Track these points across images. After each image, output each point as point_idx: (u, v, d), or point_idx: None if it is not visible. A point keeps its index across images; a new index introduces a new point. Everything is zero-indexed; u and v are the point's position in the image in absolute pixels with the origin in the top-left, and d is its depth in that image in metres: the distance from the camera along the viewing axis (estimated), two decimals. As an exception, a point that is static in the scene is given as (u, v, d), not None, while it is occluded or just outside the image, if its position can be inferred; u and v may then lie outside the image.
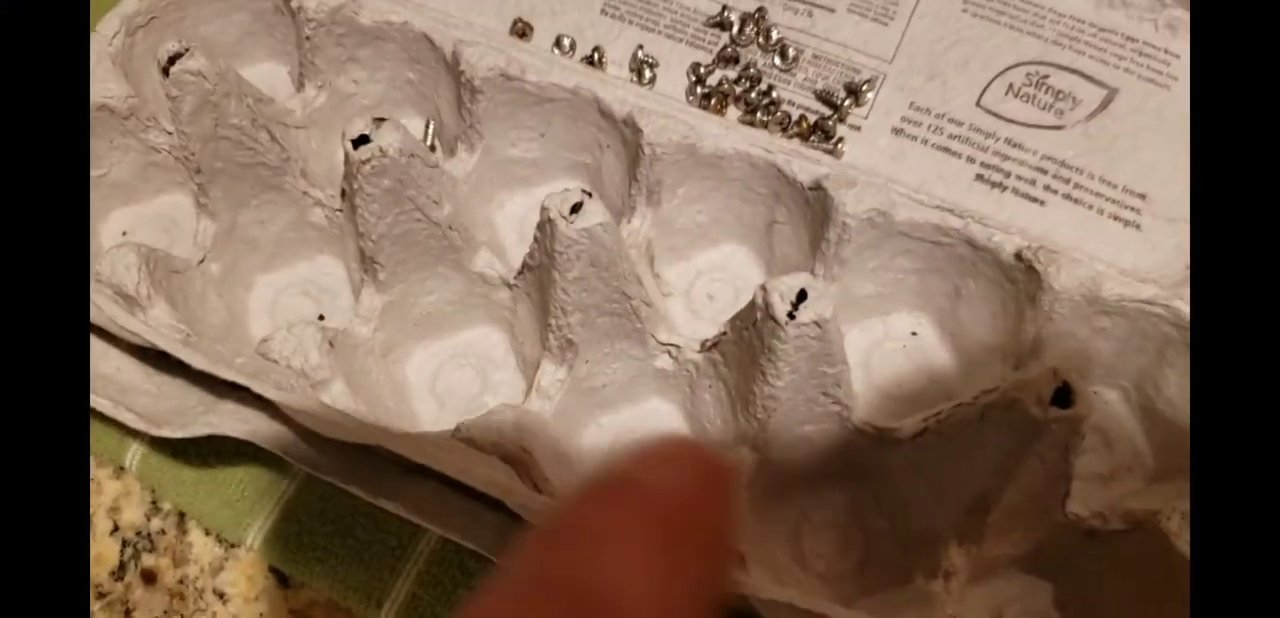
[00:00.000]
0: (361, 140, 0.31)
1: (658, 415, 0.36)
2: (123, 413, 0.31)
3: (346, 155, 0.32)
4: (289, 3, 0.39)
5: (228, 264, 0.37)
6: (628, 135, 0.36)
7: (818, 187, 0.35)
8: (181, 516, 0.37)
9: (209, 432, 0.31)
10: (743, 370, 0.32)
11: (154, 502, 0.37)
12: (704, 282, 0.39)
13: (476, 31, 0.38)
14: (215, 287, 0.36)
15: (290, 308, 0.38)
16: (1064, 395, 0.28)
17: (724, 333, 0.33)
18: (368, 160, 0.31)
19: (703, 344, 0.34)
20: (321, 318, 0.38)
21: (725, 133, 0.36)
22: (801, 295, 0.29)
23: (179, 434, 0.30)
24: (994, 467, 0.30)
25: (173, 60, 0.32)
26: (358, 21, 0.38)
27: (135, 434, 0.37)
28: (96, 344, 0.33)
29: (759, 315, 0.30)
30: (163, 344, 0.29)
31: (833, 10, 0.44)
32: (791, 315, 0.29)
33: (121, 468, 0.38)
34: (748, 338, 0.31)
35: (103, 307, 0.29)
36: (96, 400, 0.31)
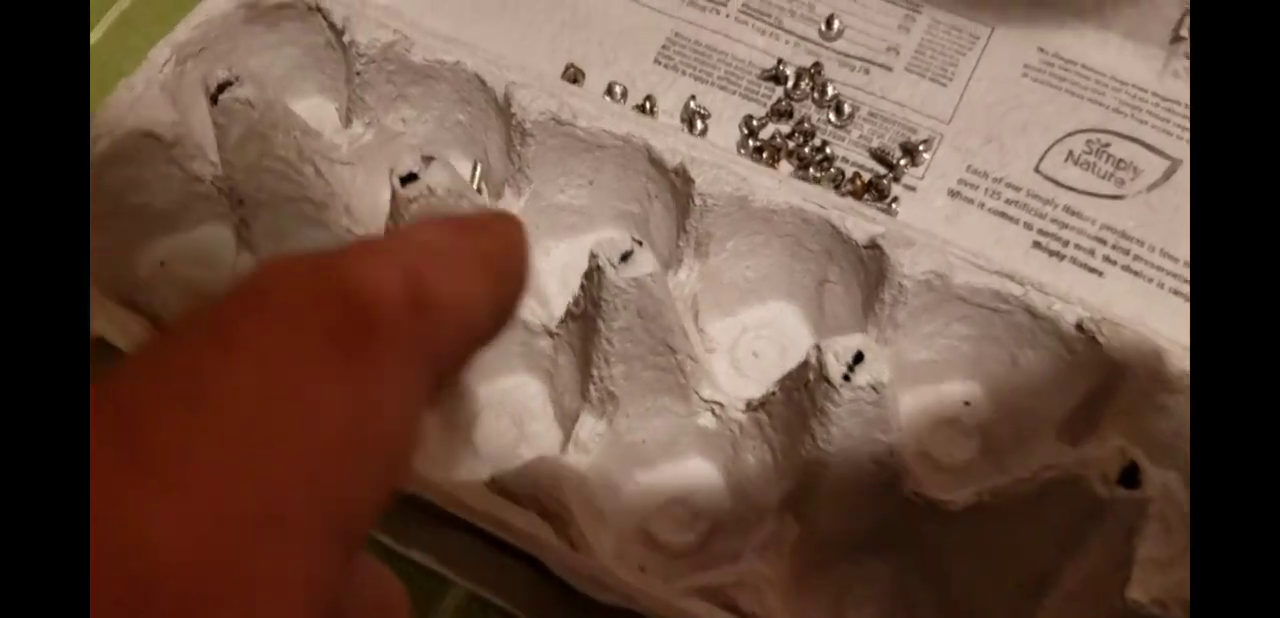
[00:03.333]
0: (409, 178, 0.31)
1: (698, 474, 0.35)
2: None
3: (393, 192, 0.31)
4: (341, 37, 0.39)
5: (267, 299, 0.36)
6: (678, 185, 0.36)
7: (873, 245, 0.34)
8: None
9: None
10: (790, 433, 0.31)
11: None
12: (749, 338, 0.38)
13: (530, 75, 0.37)
14: (253, 321, 0.36)
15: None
16: (1132, 475, 0.27)
17: (773, 393, 0.32)
18: (414, 200, 0.31)
19: (749, 404, 0.33)
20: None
21: (778, 186, 0.35)
22: (858, 357, 0.28)
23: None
24: (1051, 547, 0.29)
25: (222, 88, 0.32)
26: (409, 59, 0.38)
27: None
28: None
29: (811, 376, 0.29)
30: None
31: (890, 69, 0.43)
32: (847, 377, 0.28)
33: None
34: (798, 399, 0.30)
35: (141, 336, 0.29)
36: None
